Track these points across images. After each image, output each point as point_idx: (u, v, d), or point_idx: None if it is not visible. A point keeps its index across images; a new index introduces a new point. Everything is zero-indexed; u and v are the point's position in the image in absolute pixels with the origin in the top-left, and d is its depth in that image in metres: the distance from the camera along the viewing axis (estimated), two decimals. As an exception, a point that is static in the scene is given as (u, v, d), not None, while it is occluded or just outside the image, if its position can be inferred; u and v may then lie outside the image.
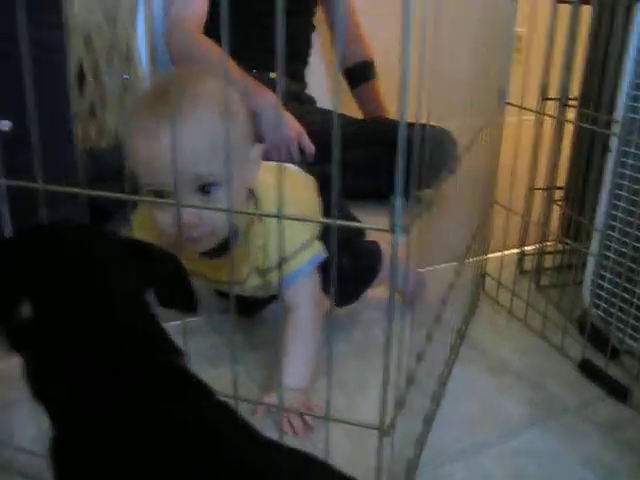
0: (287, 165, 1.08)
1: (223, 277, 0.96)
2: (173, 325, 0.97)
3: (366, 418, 0.56)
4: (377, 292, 1.28)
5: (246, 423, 0.51)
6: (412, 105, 0.53)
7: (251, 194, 0.91)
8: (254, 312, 1.16)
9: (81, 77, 1.64)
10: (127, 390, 0.48)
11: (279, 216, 0.46)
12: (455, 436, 0.89)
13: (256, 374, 1.02)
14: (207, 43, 1.66)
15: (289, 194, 0.52)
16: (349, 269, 1.03)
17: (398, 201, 0.44)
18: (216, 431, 0.48)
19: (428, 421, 0.88)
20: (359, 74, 2.08)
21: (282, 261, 0.60)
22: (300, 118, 1.72)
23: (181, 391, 0.50)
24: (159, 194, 0.82)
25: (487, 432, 0.91)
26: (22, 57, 0.57)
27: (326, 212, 1.04)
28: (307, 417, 0.89)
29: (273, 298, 1.10)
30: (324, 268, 0.95)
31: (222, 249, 0.90)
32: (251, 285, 0.96)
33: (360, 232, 1.12)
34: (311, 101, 2.05)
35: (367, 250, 1.12)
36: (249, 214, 0.90)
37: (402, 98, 0.45)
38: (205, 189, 0.81)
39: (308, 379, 0.92)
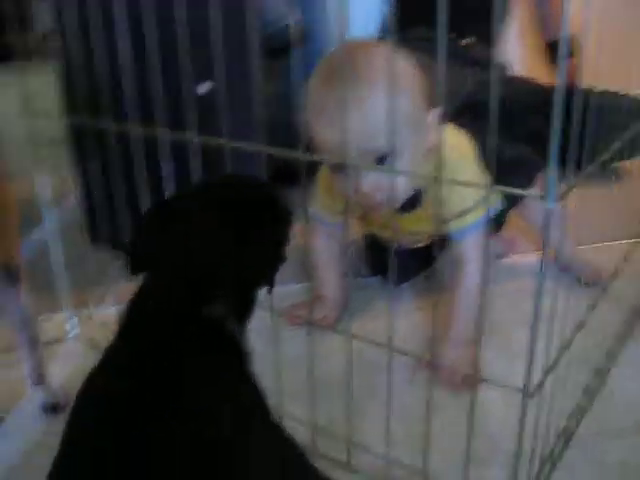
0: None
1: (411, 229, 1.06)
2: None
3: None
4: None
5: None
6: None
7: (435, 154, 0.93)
8: (407, 277, 1.20)
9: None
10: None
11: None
12: (617, 414, 0.87)
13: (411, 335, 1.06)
14: None
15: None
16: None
17: (551, 170, 0.45)
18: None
19: (589, 395, 0.87)
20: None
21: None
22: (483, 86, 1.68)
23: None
24: (339, 166, 0.88)
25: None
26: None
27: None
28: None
29: (431, 261, 1.14)
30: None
31: (410, 207, 1.00)
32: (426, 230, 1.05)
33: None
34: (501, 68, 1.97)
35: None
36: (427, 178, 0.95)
37: (562, 62, 0.45)
38: (382, 160, 0.86)
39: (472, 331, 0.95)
